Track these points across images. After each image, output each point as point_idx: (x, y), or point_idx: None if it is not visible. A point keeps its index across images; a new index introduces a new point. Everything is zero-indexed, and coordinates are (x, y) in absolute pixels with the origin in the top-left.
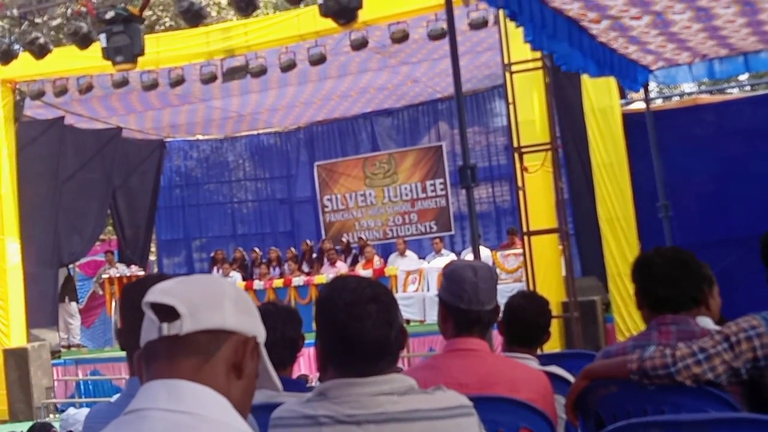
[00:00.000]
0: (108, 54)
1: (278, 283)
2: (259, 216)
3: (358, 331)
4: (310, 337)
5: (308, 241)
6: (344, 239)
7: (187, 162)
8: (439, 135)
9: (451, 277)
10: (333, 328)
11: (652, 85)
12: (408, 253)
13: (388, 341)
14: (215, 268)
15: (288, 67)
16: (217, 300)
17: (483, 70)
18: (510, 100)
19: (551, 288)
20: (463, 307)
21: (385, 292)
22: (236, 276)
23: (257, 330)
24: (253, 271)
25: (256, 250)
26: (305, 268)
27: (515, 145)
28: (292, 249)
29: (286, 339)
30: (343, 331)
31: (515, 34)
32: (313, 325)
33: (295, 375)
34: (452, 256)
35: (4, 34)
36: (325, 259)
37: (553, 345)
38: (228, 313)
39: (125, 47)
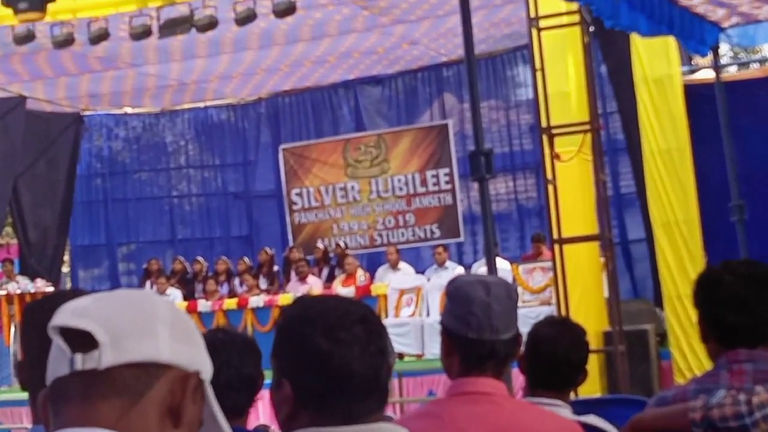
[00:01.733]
0: None
1: (230, 303)
2: (205, 215)
3: (345, 362)
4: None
5: (269, 249)
6: (318, 246)
7: (111, 143)
8: (443, 110)
9: (456, 296)
10: (311, 360)
11: (724, 48)
12: (402, 265)
13: (379, 373)
14: (148, 283)
15: (245, 19)
16: (148, 324)
17: (502, 27)
18: (537, 65)
19: (589, 313)
20: (473, 336)
21: (372, 312)
22: (175, 294)
23: (201, 363)
24: (198, 288)
25: (201, 260)
26: (264, 284)
27: (544, 124)
28: (246, 259)
29: (242, 377)
30: (326, 363)
31: None
32: (272, 361)
33: (252, 425)
34: (459, 270)
35: None
36: (293, 273)
37: (592, 388)
38: (162, 342)
39: None
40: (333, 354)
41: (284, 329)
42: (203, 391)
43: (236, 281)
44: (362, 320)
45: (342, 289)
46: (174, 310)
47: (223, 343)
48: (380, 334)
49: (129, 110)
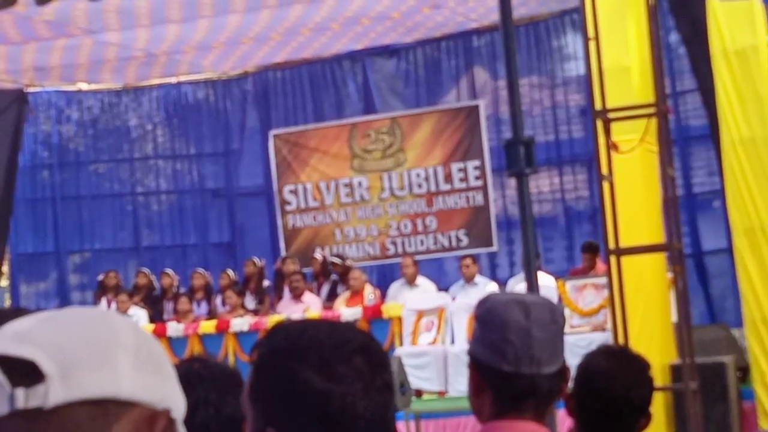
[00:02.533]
0: None
1: (208, 327)
2: (177, 217)
3: (347, 403)
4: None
5: (257, 260)
6: (317, 257)
7: (62, 127)
8: (473, 89)
9: (487, 320)
10: (303, 403)
11: None
12: (420, 281)
13: (387, 415)
14: (104, 301)
15: None
16: (106, 351)
17: None
18: (590, 33)
19: (654, 341)
20: (508, 369)
21: (372, 338)
22: (139, 314)
23: (172, 399)
24: (167, 307)
25: (171, 273)
26: (251, 302)
27: (598, 107)
28: (229, 272)
29: (222, 418)
30: (323, 406)
31: None
32: (248, 405)
33: None
34: (492, 287)
35: None
36: (286, 289)
37: None
38: (124, 373)
39: None
40: (331, 393)
41: (265, 365)
42: None
43: (216, 299)
44: (362, 349)
45: (346, 309)
46: (138, 334)
47: (200, 375)
48: (384, 366)
49: (84, 87)
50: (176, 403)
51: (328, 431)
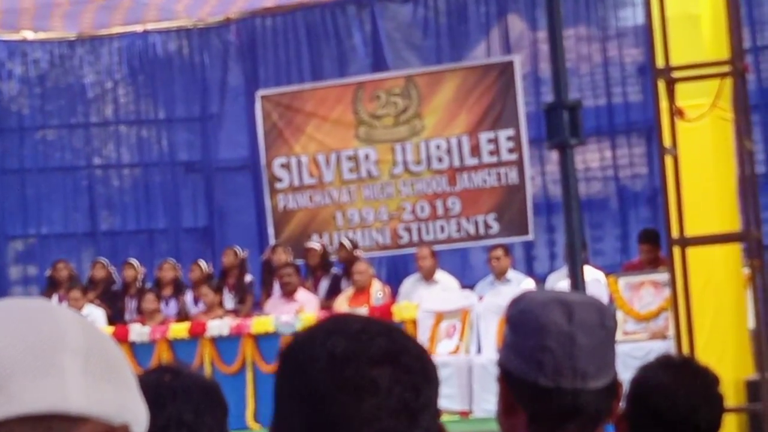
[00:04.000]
0: None
1: (180, 330)
2: (143, 196)
3: (351, 419)
4: None
5: (239, 249)
6: (314, 246)
7: (2, 84)
8: (506, 41)
9: (521, 323)
10: (305, 407)
11: None
12: (440, 276)
13: None
14: (54, 297)
15: None
16: (49, 355)
17: None
18: None
19: (726, 352)
20: (547, 384)
21: (415, 348)
22: (95, 314)
23: (132, 412)
24: (130, 306)
25: (135, 264)
26: (231, 301)
27: (660, 64)
28: (203, 264)
29: None
30: (324, 414)
31: None
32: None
33: None
34: (528, 284)
35: None
36: (275, 285)
37: None
38: (72, 382)
39: None
40: (333, 402)
41: (287, 359)
42: None
43: (188, 296)
44: (391, 357)
45: (348, 309)
46: (89, 332)
47: (171, 390)
48: (416, 384)
49: (29, 35)
50: (137, 416)
51: None
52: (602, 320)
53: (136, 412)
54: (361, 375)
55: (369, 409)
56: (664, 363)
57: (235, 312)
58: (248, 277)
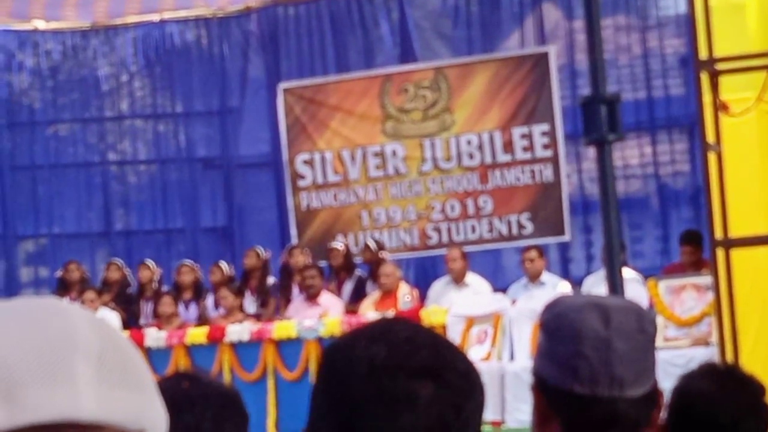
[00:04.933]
0: None
1: (198, 335)
2: (160, 194)
3: (377, 428)
4: None
5: (261, 250)
6: (337, 246)
7: (12, 77)
8: (541, 31)
9: (556, 328)
10: (339, 415)
11: None
12: (471, 279)
13: None
14: (67, 299)
15: None
16: (59, 360)
17: None
18: None
19: None
20: (582, 391)
21: (461, 363)
22: (110, 317)
23: (149, 418)
24: (145, 309)
25: (152, 265)
26: (252, 304)
27: (703, 56)
28: (224, 265)
29: None
30: (358, 424)
31: None
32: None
33: None
34: (564, 287)
35: None
36: (296, 288)
37: None
38: (84, 388)
39: None
40: (365, 411)
41: (325, 367)
42: None
43: (208, 300)
44: (433, 371)
45: (374, 314)
46: (103, 334)
47: (190, 398)
48: (458, 404)
49: (41, 25)
50: (154, 421)
51: None
52: (641, 325)
53: (154, 417)
54: (399, 387)
55: (404, 423)
56: (707, 371)
57: (257, 316)
58: (271, 280)
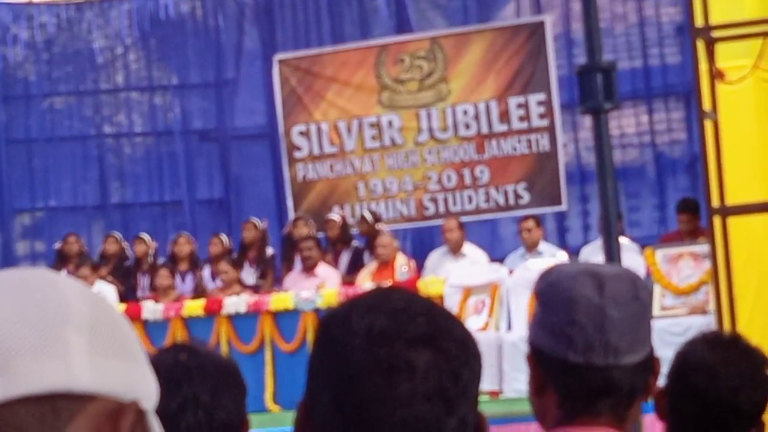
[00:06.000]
0: None
1: (195, 307)
2: (156, 167)
3: (383, 401)
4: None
5: (257, 221)
6: (333, 217)
7: (7, 49)
8: (537, 1)
9: (550, 297)
10: (337, 385)
11: None
12: (468, 249)
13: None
14: (63, 272)
15: None
16: (52, 331)
17: None
18: None
19: None
20: (577, 360)
21: (458, 332)
22: (106, 290)
23: (141, 387)
24: (142, 282)
25: (148, 238)
26: (251, 276)
27: (699, 23)
28: (222, 237)
29: (216, 424)
30: (356, 393)
31: None
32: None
33: None
34: (561, 256)
35: None
36: (296, 259)
37: None
38: (78, 359)
39: None
40: (367, 384)
41: (322, 334)
42: (146, 429)
43: (205, 272)
44: (431, 339)
45: (371, 285)
46: (95, 305)
47: (187, 369)
48: (455, 371)
49: None
50: (146, 391)
51: (346, 424)
52: (635, 292)
53: (146, 387)
54: (397, 356)
55: (403, 392)
56: (708, 340)
57: (257, 287)
58: (269, 251)
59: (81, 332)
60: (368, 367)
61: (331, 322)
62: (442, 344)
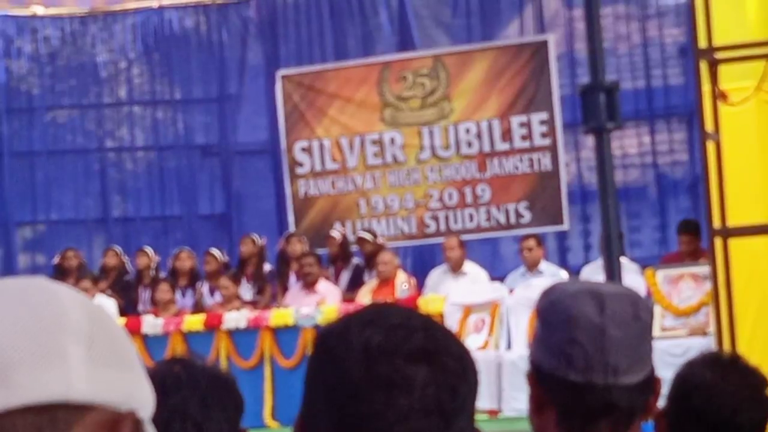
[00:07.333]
0: None
1: (195, 322)
2: (157, 181)
3: (381, 417)
4: None
5: (257, 237)
6: (335, 235)
7: (11, 62)
8: (540, 20)
9: (551, 315)
10: (335, 400)
11: None
12: (469, 267)
13: None
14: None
15: None
16: (51, 341)
17: None
18: None
19: None
20: (576, 379)
21: (455, 347)
22: (107, 303)
23: (138, 397)
24: (143, 296)
25: (149, 252)
26: (249, 292)
27: (702, 45)
28: (216, 252)
29: None
30: (354, 409)
31: None
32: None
33: None
34: (561, 276)
35: None
36: (293, 276)
37: None
38: (76, 369)
39: None
40: (366, 400)
41: (319, 350)
42: None
43: (204, 287)
44: (428, 355)
45: (373, 302)
46: (93, 316)
47: (178, 380)
48: (453, 386)
49: (39, 11)
50: (143, 400)
51: None
52: (636, 312)
53: (143, 397)
54: (395, 371)
55: (401, 407)
56: (709, 360)
57: (254, 303)
58: (267, 266)
59: (79, 342)
60: (366, 383)
61: (328, 337)
62: (439, 359)
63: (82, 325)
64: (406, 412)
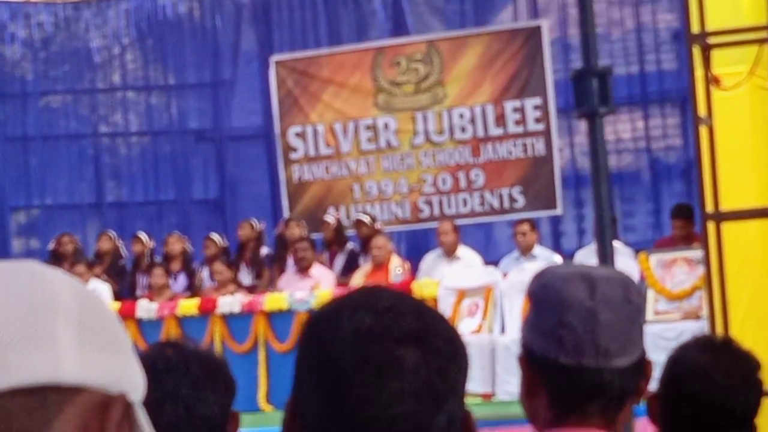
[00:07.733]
0: None
1: (189, 306)
2: (152, 166)
3: (372, 400)
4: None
5: (254, 222)
6: (329, 220)
7: (5, 48)
8: (534, 5)
9: (542, 299)
10: (326, 384)
11: None
12: (463, 252)
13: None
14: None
15: None
16: (41, 324)
17: None
18: None
19: (763, 333)
20: (567, 362)
21: (445, 329)
22: (101, 289)
23: (129, 379)
24: (139, 281)
25: (144, 237)
26: (247, 276)
27: (695, 29)
28: (216, 237)
29: (195, 420)
30: (345, 392)
31: None
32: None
33: None
34: (555, 260)
35: None
36: (289, 260)
37: None
38: (66, 352)
39: None
40: (356, 383)
41: (308, 332)
42: (132, 421)
43: (204, 271)
44: (418, 336)
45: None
46: (83, 298)
47: (170, 364)
48: (444, 368)
49: None
50: (134, 383)
51: (335, 422)
52: (627, 295)
53: (133, 379)
54: (385, 354)
55: (392, 390)
56: (702, 344)
57: (251, 288)
58: (264, 251)
59: (69, 325)
60: (357, 366)
61: (318, 320)
62: (430, 342)
63: (72, 308)
64: (397, 395)
